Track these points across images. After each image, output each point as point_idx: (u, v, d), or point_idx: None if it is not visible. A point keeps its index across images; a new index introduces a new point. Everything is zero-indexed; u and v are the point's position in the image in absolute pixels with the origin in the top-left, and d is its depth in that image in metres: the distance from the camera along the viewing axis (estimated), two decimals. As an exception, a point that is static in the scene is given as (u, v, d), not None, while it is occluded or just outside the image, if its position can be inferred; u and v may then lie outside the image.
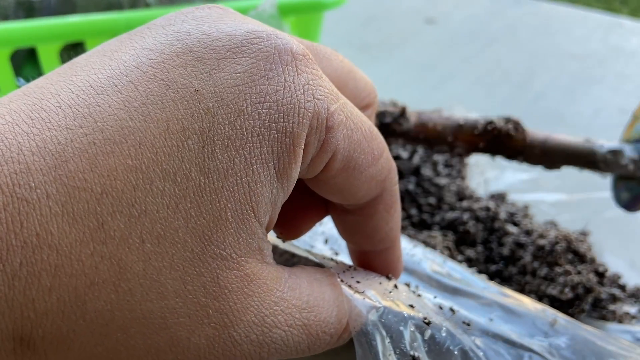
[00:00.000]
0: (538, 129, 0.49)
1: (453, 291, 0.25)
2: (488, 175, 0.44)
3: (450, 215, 0.36)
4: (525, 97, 0.62)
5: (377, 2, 0.88)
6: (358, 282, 0.22)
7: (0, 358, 0.14)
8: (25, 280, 0.14)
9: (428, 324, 0.22)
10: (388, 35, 0.76)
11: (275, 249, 0.28)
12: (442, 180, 0.37)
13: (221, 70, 0.16)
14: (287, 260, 0.28)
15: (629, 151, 0.32)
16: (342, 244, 0.26)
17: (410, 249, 0.27)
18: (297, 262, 0.26)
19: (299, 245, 0.26)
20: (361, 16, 0.83)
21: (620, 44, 0.74)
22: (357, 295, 0.21)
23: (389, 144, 0.37)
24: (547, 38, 0.77)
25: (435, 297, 0.25)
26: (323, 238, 0.26)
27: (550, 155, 0.32)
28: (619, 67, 0.69)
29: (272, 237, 0.26)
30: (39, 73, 0.57)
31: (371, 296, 0.22)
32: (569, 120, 0.57)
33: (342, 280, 0.22)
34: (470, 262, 0.35)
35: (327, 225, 0.27)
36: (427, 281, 0.26)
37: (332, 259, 0.24)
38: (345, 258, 0.26)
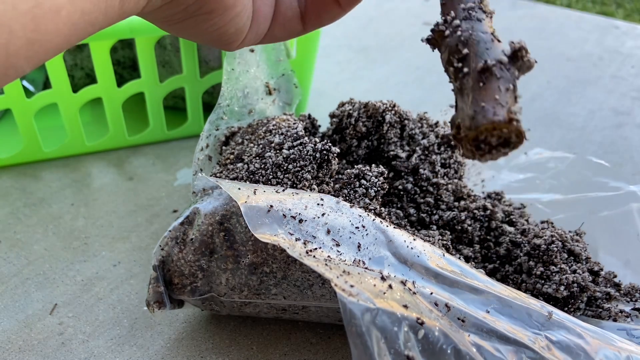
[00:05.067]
0: (534, 129, 0.50)
1: (451, 283, 0.26)
2: (485, 176, 0.45)
3: (448, 214, 0.36)
4: (522, 98, 0.63)
5: (376, 5, 0.89)
6: (352, 285, 0.23)
7: None
8: None
9: (421, 324, 0.23)
10: (387, 37, 0.77)
11: (274, 248, 0.29)
12: (440, 180, 0.37)
13: None
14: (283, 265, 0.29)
15: None
16: (343, 235, 0.27)
17: (409, 242, 0.27)
18: (294, 265, 0.27)
19: (299, 241, 0.26)
20: (360, 19, 0.83)
21: (615, 46, 0.75)
22: (351, 298, 0.22)
23: (387, 142, 0.38)
24: (543, 40, 0.77)
25: (431, 293, 0.25)
26: (325, 229, 0.27)
27: None
28: (613, 69, 0.70)
29: (275, 238, 0.26)
30: (45, 74, 0.58)
31: (365, 298, 0.22)
32: (565, 121, 0.58)
33: (336, 285, 0.22)
34: (467, 261, 0.35)
35: (329, 217, 0.27)
36: (425, 274, 0.26)
37: (326, 264, 0.24)
38: (347, 249, 0.26)
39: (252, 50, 0.39)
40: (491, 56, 0.20)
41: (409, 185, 0.37)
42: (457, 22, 0.21)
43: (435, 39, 0.22)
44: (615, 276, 0.35)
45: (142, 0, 0.21)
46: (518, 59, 0.20)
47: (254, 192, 0.28)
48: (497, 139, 0.19)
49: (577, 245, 0.34)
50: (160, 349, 0.33)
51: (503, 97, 0.19)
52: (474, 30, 0.21)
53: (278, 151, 0.32)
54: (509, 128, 0.19)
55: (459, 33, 0.21)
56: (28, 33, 0.17)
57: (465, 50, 0.20)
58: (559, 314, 0.27)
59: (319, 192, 0.31)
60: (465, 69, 0.20)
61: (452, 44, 0.21)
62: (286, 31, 0.28)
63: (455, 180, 0.38)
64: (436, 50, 0.23)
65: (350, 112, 0.38)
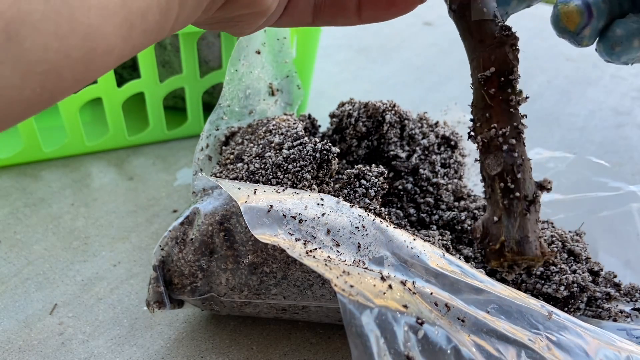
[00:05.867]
0: (534, 129, 0.50)
1: (451, 283, 0.26)
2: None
3: (448, 214, 0.36)
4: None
5: (376, 4, 0.89)
6: (352, 286, 0.23)
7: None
8: None
9: (421, 323, 0.23)
10: (387, 37, 0.77)
11: (274, 248, 0.29)
12: (440, 180, 0.37)
13: None
14: (285, 261, 0.29)
15: None
16: (343, 235, 0.27)
17: (409, 242, 0.27)
18: (294, 265, 0.27)
19: (299, 241, 0.26)
20: (359, 18, 0.83)
21: (615, 46, 0.75)
22: (351, 298, 0.22)
23: (387, 142, 0.38)
24: (544, 40, 0.77)
25: (431, 293, 0.25)
26: (325, 229, 0.27)
27: None
28: (613, 69, 0.70)
29: (275, 238, 0.26)
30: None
31: (365, 298, 0.22)
32: (565, 121, 0.58)
33: (336, 285, 0.22)
34: (467, 261, 0.35)
35: (329, 217, 0.27)
36: (425, 274, 0.26)
37: (326, 264, 0.24)
38: (347, 249, 0.26)
39: (258, 52, 0.39)
40: (535, 188, 0.22)
41: (409, 185, 0.37)
42: (513, 141, 0.22)
43: (487, 143, 0.23)
44: (615, 276, 0.35)
45: (189, 21, 0.20)
46: (542, 192, 0.22)
47: (254, 192, 0.28)
48: (528, 265, 0.21)
49: (577, 245, 0.34)
50: (160, 349, 0.33)
51: (539, 231, 0.21)
52: (525, 157, 0.23)
53: (278, 151, 0.32)
54: (542, 264, 0.21)
55: (515, 155, 0.22)
56: (77, 76, 0.16)
57: (520, 176, 0.22)
58: (559, 314, 0.27)
59: (319, 192, 0.31)
60: (517, 194, 0.21)
61: (509, 163, 0.22)
62: (294, 20, 0.27)
63: (455, 180, 0.38)
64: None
65: (350, 112, 0.38)
